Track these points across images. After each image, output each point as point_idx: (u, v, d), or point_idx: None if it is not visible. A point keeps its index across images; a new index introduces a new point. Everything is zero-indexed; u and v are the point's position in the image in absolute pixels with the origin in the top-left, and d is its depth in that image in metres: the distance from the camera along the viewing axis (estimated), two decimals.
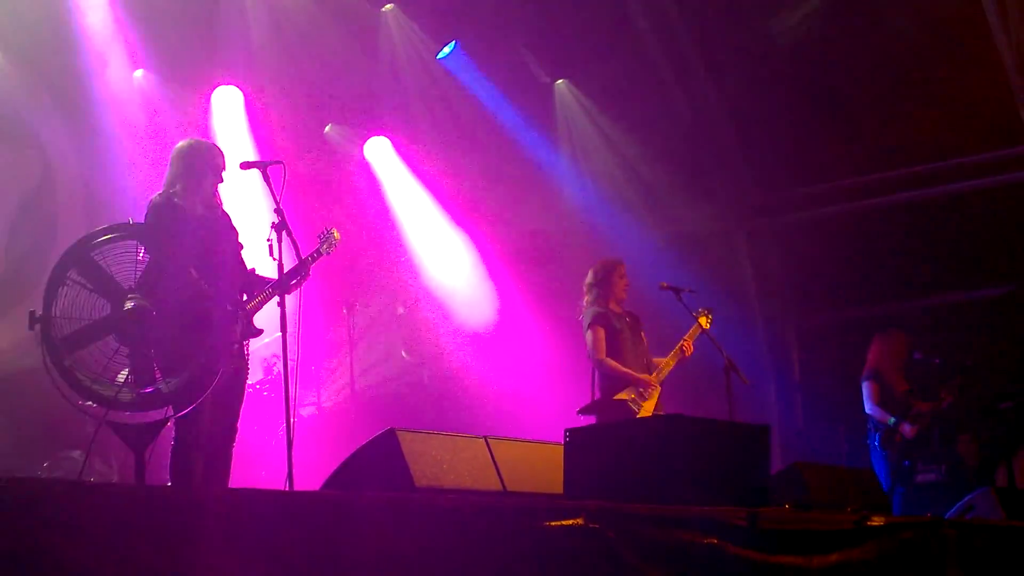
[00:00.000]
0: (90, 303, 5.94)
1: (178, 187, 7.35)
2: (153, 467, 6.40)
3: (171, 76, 12.34)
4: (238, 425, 7.46)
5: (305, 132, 13.50)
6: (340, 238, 8.56)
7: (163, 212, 7.19)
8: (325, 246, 8.36)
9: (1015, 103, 12.50)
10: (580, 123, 14.41)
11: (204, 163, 7.44)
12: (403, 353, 14.08)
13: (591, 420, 9.56)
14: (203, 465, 7.23)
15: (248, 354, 7.44)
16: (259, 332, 7.28)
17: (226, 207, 7.63)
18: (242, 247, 7.42)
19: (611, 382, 9.62)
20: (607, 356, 9.61)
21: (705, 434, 6.33)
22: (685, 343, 9.88)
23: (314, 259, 8.10)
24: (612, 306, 9.91)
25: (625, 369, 9.58)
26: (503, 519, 4.94)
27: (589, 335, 9.75)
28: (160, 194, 7.35)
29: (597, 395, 9.66)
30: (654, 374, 9.71)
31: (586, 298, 10.00)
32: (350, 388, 12.29)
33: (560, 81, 14.24)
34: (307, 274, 7.84)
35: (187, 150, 7.54)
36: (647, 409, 9.46)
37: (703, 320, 10.11)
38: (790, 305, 14.97)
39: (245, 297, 7.48)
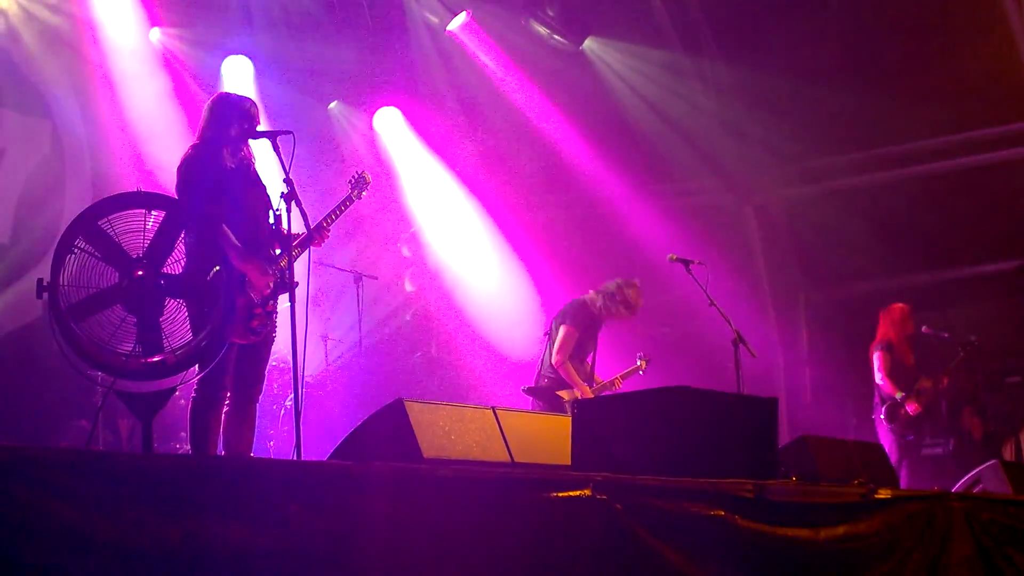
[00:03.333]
0: (98, 271, 5.92)
1: (210, 140, 7.33)
2: (160, 436, 6.40)
3: (182, 41, 12.34)
4: (261, 387, 7.44)
5: (314, 103, 13.49)
6: (371, 180, 8.57)
7: (194, 168, 7.16)
8: (356, 192, 8.35)
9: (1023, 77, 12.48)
10: (594, 93, 14.36)
11: (231, 115, 7.39)
12: (407, 317, 14.10)
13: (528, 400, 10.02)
14: (226, 427, 7.25)
15: (276, 312, 7.39)
16: (296, 285, 7.20)
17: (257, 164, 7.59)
18: (270, 203, 7.36)
19: (558, 382, 9.92)
20: (568, 360, 9.89)
21: (713, 407, 6.32)
22: (618, 380, 10.28)
23: (347, 205, 8.14)
24: (600, 314, 10.16)
25: (578, 380, 9.88)
26: (511, 490, 4.94)
27: (564, 331, 9.95)
28: (191, 148, 7.33)
29: (543, 381, 9.99)
30: (594, 388, 10.03)
31: (596, 299, 10.14)
32: (359, 360, 12.29)
33: (588, 40, 14.17)
34: (333, 221, 7.92)
35: (216, 102, 7.51)
36: None
37: (642, 364, 10.50)
38: (798, 278, 14.95)
39: (279, 251, 7.42)
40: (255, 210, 7.29)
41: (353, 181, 8.43)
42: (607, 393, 10.02)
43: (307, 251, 7.69)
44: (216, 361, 6.48)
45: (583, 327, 9.99)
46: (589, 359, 10.17)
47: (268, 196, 7.37)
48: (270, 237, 7.31)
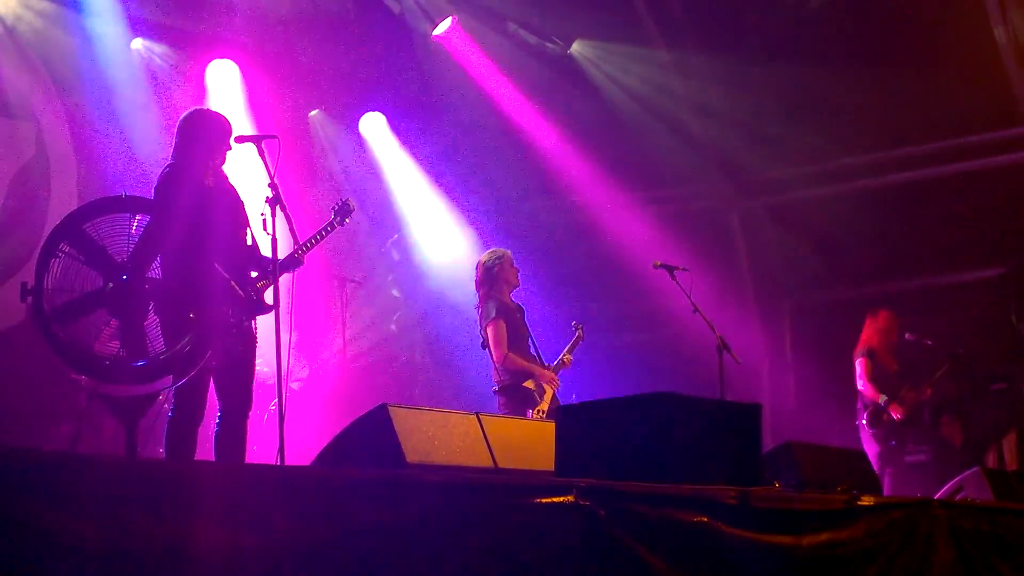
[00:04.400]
0: (82, 275, 5.93)
1: (186, 157, 7.31)
2: (143, 440, 6.40)
3: (167, 47, 12.31)
4: (251, 403, 7.45)
5: (302, 106, 13.49)
6: (355, 208, 8.58)
7: (169, 187, 7.14)
8: (338, 219, 8.35)
9: (1010, 85, 12.52)
10: (579, 99, 14.38)
11: (209, 133, 7.38)
12: (392, 327, 14.10)
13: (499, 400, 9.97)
14: (217, 446, 7.27)
15: (256, 330, 7.39)
16: (270, 308, 7.20)
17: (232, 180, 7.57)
18: (248, 222, 7.35)
19: (513, 376, 9.89)
20: (509, 351, 9.85)
21: (697, 413, 6.32)
22: (566, 356, 10.34)
23: (328, 232, 8.13)
24: (507, 299, 10.11)
25: (528, 364, 9.89)
26: (494, 496, 4.94)
27: (490, 329, 9.92)
28: (168, 165, 7.31)
29: (504, 379, 9.93)
30: (551, 371, 10.03)
31: (481, 291, 10.15)
32: (343, 366, 12.29)
33: (576, 44, 14.20)
34: (311, 247, 7.92)
35: (192, 119, 7.48)
36: (546, 400, 9.82)
37: (579, 331, 10.63)
38: (783, 285, 14.98)
39: (256, 274, 7.42)
40: (232, 228, 7.28)
41: (337, 208, 8.43)
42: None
43: (295, 268, 7.73)
44: (197, 370, 6.48)
45: (501, 314, 9.92)
46: (531, 349, 10.10)
47: (245, 213, 7.36)
48: (246, 256, 7.31)
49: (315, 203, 12.13)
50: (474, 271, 10.29)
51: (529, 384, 9.81)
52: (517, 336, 9.98)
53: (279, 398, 6.82)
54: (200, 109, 7.76)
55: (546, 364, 10.08)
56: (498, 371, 9.95)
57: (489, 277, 10.11)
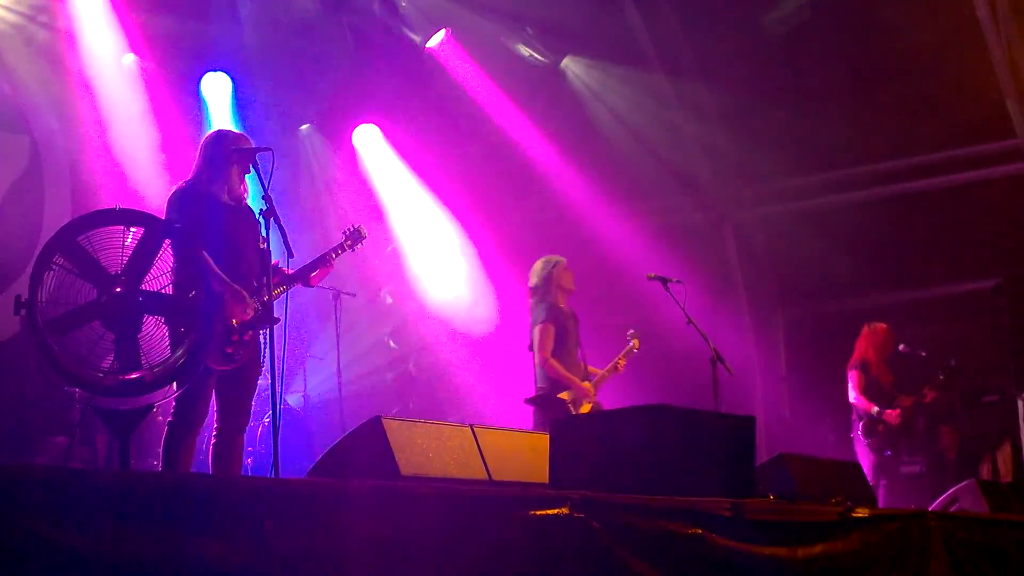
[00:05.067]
0: (76, 288, 5.91)
1: (203, 176, 7.40)
2: (137, 452, 6.39)
3: (160, 62, 12.30)
4: (248, 418, 7.47)
5: (295, 118, 13.51)
6: (367, 236, 8.57)
7: (183, 200, 7.24)
8: (348, 242, 8.35)
9: (1002, 98, 12.54)
10: (572, 112, 14.40)
11: (228, 152, 7.43)
12: (390, 343, 14.09)
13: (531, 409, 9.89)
14: (214, 459, 7.29)
15: (264, 344, 7.40)
16: (276, 320, 7.22)
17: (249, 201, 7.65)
18: (265, 240, 7.37)
19: (552, 383, 9.85)
20: (552, 356, 9.82)
21: (691, 425, 6.33)
22: (620, 361, 10.23)
23: (338, 254, 8.15)
24: (562, 304, 10.09)
25: (568, 374, 9.83)
26: (488, 508, 4.94)
27: (538, 330, 9.91)
28: (184, 183, 7.40)
29: (542, 387, 9.89)
30: (590, 385, 9.96)
31: (535, 296, 10.16)
32: (337, 378, 12.27)
33: (566, 59, 14.23)
34: (330, 266, 7.95)
35: (212, 139, 7.58)
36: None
37: (635, 343, 10.43)
38: (776, 296, 14.99)
39: (261, 286, 7.45)
40: (241, 241, 7.32)
41: (348, 232, 8.43)
42: (612, 377, 10.09)
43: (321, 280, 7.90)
44: (193, 381, 6.48)
45: (556, 321, 9.94)
46: (580, 357, 10.08)
47: (259, 231, 7.39)
48: (254, 270, 7.33)
49: (309, 216, 12.15)
50: (528, 277, 10.31)
51: (565, 396, 9.75)
52: (567, 343, 9.97)
53: (273, 409, 6.82)
54: (221, 130, 7.92)
55: (588, 379, 10.05)
56: (537, 382, 9.94)
57: (543, 281, 10.13)
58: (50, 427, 10.34)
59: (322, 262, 7.95)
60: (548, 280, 10.11)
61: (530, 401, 9.93)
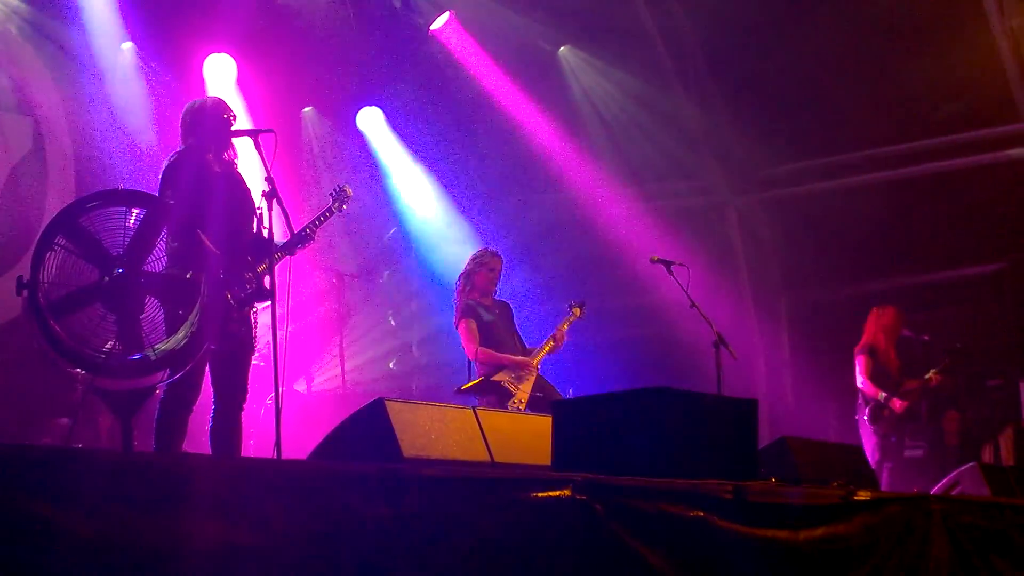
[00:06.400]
0: (78, 269, 5.90)
1: (193, 145, 7.38)
2: (139, 434, 6.39)
3: (161, 45, 12.27)
4: (246, 394, 7.44)
5: (299, 100, 13.48)
6: (352, 195, 8.59)
7: (177, 171, 7.21)
8: (337, 204, 8.39)
9: (1007, 82, 12.51)
10: (575, 95, 14.38)
11: (208, 118, 7.42)
12: (390, 320, 14.09)
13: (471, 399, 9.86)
14: (213, 437, 7.27)
15: (256, 319, 7.39)
16: (269, 295, 7.21)
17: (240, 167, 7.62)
18: (256, 208, 7.35)
19: (488, 368, 9.90)
20: (481, 345, 9.89)
21: (693, 408, 6.32)
22: (558, 331, 10.20)
23: (326, 217, 8.18)
24: (479, 297, 10.14)
25: (500, 355, 9.88)
26: (490, 490, 4.94)
27: (459, 331, 10.04)
28: (175, 154, 7.36)
29: (476, 377, 9.96)
30: (531, 357, 9.98)
31: (463, 283, 10.29)
32: (340, 362, 12.28)
33: (563, 48, 14.20)
34: (313, 237, 7.94)
35: (192, 108, 7.56)
36: (524, 390, 9.80)
37: (576, 311, 10.45)
38: (780, 280, 14.98)
39: (255, 260, 7.42)
40: (237, 214, 7.30)
41: (335, 193, 8.48)
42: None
43: (290, 255, 7.77)
44: (194, 361, 6.47)
45: (468, 315, 9.99)
46: (515, 343, 10.13)
47: (252, 200, 7.37)
48: (251, 243, 7.31)
49: (311, 198, 12.14)
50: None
51: (499, 376, 9.79)
52: (495, 333, 10.02)
53: (275, 391, 6.82)
54: (198, 99, 7.79)
55: (532, 350, 10.10)
56: (471, 368, 10.05)
57: (462, 280, 10.26)
58: (53, 408, 10.34)
59: (310, 230, 7.97)
60: (466, 278, 10.25)
61: (462, 391, 9.93)
